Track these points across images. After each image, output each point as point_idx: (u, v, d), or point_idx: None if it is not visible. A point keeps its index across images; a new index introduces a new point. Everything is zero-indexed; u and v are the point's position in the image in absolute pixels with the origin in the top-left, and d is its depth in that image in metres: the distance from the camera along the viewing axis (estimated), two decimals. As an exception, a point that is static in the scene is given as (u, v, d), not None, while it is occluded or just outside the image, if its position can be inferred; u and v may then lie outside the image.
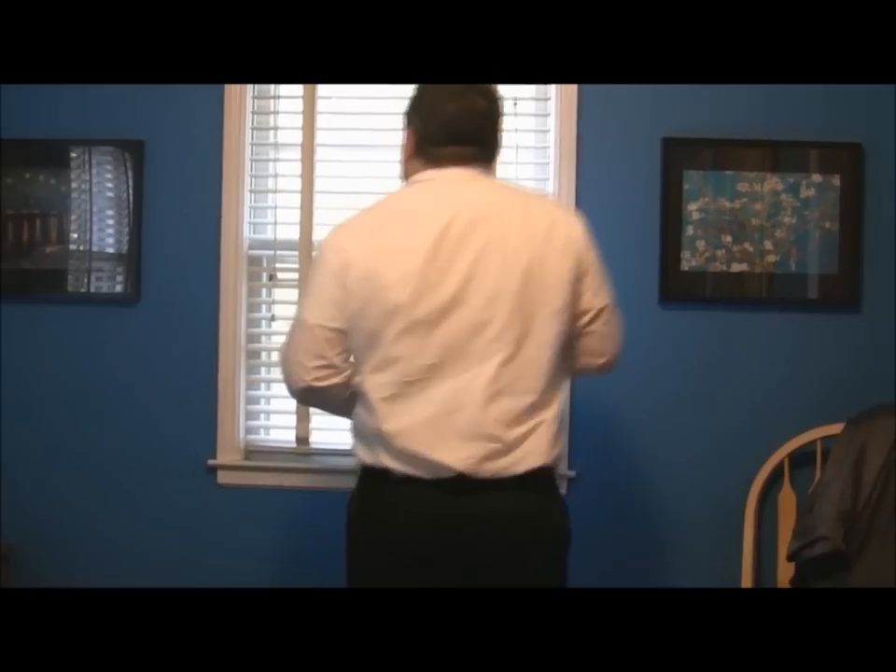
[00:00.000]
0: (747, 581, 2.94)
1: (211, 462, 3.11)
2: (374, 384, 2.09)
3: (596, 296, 2.18)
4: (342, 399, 2.19)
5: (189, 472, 3.11)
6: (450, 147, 2.16)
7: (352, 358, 2.16)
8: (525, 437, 2.08)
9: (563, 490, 2.99)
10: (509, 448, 2.07)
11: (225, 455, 3.12)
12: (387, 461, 2.09)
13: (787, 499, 2.96)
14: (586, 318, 2.17)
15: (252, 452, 3.17)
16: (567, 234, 2.14)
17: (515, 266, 2.06)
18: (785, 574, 2.87)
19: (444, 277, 2.05)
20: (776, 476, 2.98)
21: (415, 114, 2.23)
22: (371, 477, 2.14)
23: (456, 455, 2.05)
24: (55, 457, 3.14)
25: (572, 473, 3.01)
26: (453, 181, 2.16)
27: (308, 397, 2.29)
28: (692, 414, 3.04)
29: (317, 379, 2.15)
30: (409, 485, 2.07)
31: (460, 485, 2.06)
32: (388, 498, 2.10)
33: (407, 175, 2.27)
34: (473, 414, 2.05)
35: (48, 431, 3.14)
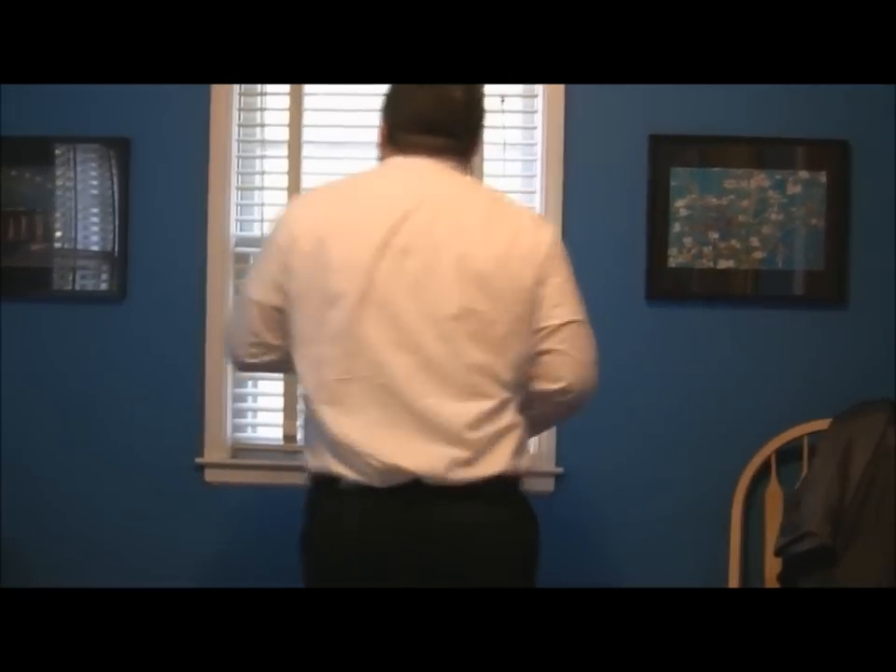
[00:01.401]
0: (734, 577, 2.95)
1: (198, 460, 3.10)
2: (317, 379, 1.96)
3: (557, 309, 1.99)
4: (284, 370, 2.17)
5: (177, 470, 3.10)
6: (420, 136, 2.03)
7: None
8: (485, 442, 1.93)
9: (550, 487, 3.02)
10: (467, 453, 1.91)
11: (212, 453, 3.11)
12: (336, 467, 1.94)
13: (774, 495, 2.97)
14: (542, 334, 1.99)
15: (239, 450, 3.16)
16: (532, 241, 1.99)
17: (470, 268, 1.93)
18: (772, 570, 2.88)
19: (395, 270, 1.92)
20: (763, 472, 2.98)
21: (388, 102, 2.11)
22: (320, 486, 2.01)
23: (411, 458, 1.91)
24: (41, 456, 3.12)
25: (560, 470, 3.02)
26: (420, 171, 2.03)
27: (246, 369, 2.30)
28: (679, 411, 3.05)
29: (251, 356, 2.09)
30: (361, 494, 1.93)
31: (416, 493, 1.91)
32: (338, 510, 1.96)
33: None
34: (425, 415, 1.91)
35: (33, 430, 3.12)
